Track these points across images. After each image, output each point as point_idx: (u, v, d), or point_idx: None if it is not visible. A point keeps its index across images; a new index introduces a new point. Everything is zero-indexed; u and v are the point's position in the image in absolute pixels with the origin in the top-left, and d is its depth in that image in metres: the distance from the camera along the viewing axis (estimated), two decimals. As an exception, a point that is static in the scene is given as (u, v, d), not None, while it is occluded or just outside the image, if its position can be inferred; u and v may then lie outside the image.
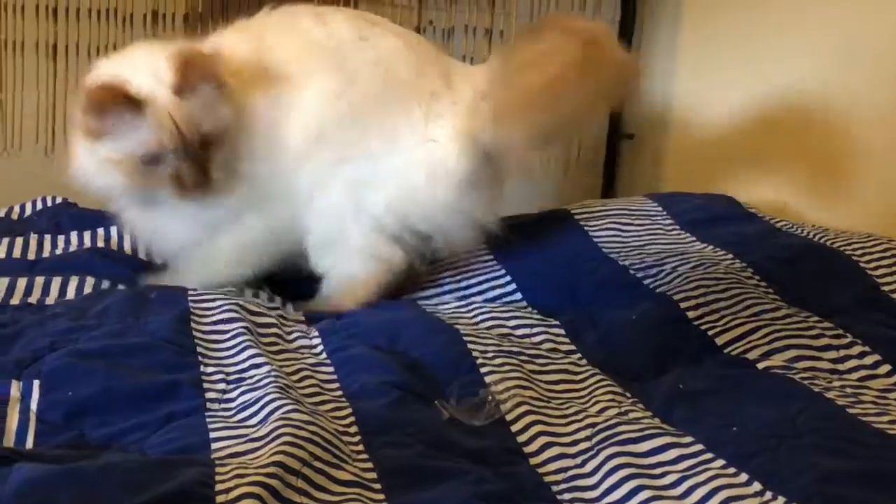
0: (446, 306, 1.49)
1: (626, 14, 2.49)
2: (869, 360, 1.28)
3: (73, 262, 1.57)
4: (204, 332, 1.29)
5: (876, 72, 1.84)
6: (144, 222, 1.49)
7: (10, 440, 1.04)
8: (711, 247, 1.64)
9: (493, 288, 1.58)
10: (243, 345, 1.25)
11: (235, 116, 1.37)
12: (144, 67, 1.35)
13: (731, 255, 1.58)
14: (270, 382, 1.14)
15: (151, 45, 1.42)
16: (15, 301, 1.40)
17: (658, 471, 1.01)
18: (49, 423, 1.07)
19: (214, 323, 1.32)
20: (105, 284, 1.49)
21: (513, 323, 1.42)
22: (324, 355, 1.28)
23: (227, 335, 1.28)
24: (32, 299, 1.41)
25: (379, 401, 1.14)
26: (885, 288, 1.49)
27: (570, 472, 1.03)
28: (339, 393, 1.18)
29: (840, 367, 1.27)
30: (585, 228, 1.73)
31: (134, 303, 1.35)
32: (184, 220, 1.44)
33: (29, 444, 1.04)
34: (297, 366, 1.24)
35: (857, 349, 1.30)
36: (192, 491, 0.89)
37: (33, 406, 1.10)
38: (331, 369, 1.24)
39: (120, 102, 1.30)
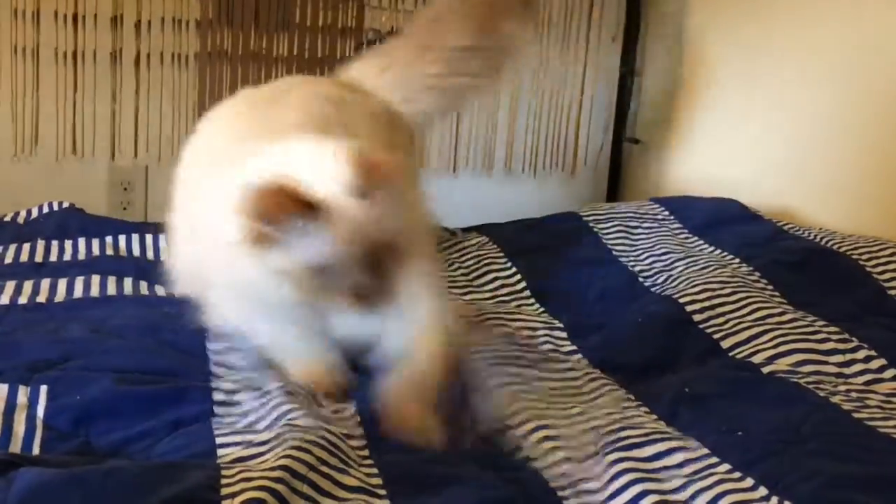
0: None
1: (631, 19, 2.49)
2: (875, 364, 1.28)
3: (79, 266, 1.58)
4: (218, 349, 1.28)
5: (881, 74, 1.84)
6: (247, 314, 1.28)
7: (16, 446, 1.04)
8: (719, 250, 1.64)
9: (504, 286, 1.59)
10: (252, 352, 1.25)
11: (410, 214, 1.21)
12: (315, 164, 1.12)
13: (738, 260, 1.58)
14: (278, 386, 1.14)
15: (311, 136, 1.21)
16: (23, 300, 1.41)
17: (663, 475, 1.01)
18: (56, 429, 1.08)
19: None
20: (111, 282, 1.50)
21: (517, 325, 1.42)
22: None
23: (240, 350, 1.28)
24: (41, 298, 1.42)
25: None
26: (892, 292, 1.48)
27: (575, 478, 1.03)
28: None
29: (846, 370, 1.27)
30: (595, 230, 1.74)
31: (143, 310, 1.35)
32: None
33: (36, 450, 1.04)
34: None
35: (862, 353, 1.29)
36: (199, 494, 0.89)
37: (40, 412, 1.10)
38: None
39: (295, 208, 1.08)
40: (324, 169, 1.11)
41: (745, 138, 2.19)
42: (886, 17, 1.85)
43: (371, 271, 1.13)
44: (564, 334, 1.41)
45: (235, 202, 1.09)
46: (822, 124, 1.98)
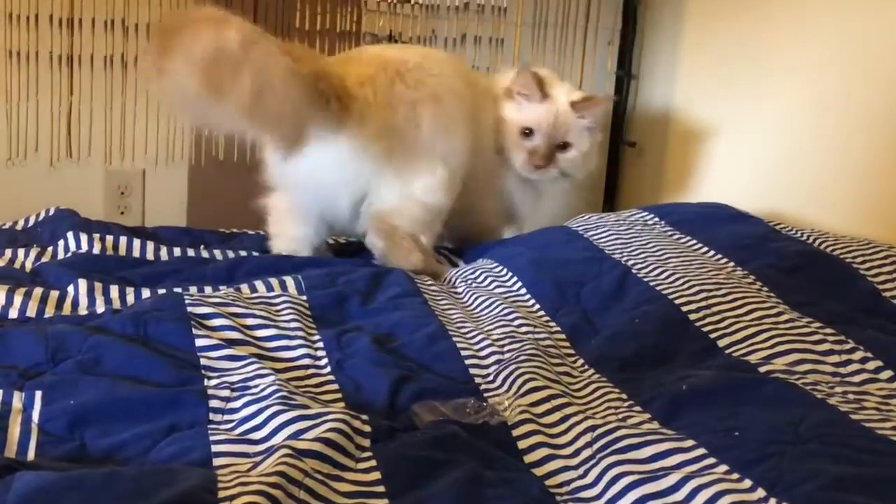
0: (452, 309, 1.50)
1: (627, 23, 2.50)
2: (871, 365, 1.28)
3: (69, 266, 1.58)
4: (207, 343, 1.29)
5: (876, 78, 1.84)
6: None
7: (11, 451, 1.04)
8: (712, 252, 1.64)
9: (500, 286, 1.60)
10: (248, 359, 1.25)
11: (591, 145, 1.96)
12: (565, 85, 1.98)
13: (732, 263, 1.58)
14: (274, 392, 1.14)
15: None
16: (13, 315, 1.41)
17: (660, 475, 1.00)
18: (51, 434, 1.07)
19: (215, 329, 1.32)
20: (97, 285, 1.50)
21: (517, 322, 1.43)
22: (328, 369, 1.28)
23: (230, 348, 1.29)
24: (31, 312, 1.41)
25: (383, 408, 1.15)
26: (886, 294, 1.48)
27: (574, 484, 1.03)
28: (340, 396, 1.19)
29: (842, 370, 1.27)
30: (586, 235, 1.74)
31: (135, 313, 1.35)
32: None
33: (31, 455, 1.04)
34: (301, 373, 1.25)
35: (859, 354, 1.29)
36: (196, 498, 0.89)
37: (35, 417, 1.10)
38: (335, 385, 1.24)
39: (538, 83, 1.90)
40: (568, 88, 1.97)
41: (741, 142, 2.19)
42: (877, 26, 1.85)
43: (547, 148, 1.90)
44: (563, 336, 1.41)
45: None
46: (817, 129, 1.98)
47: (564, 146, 1.92)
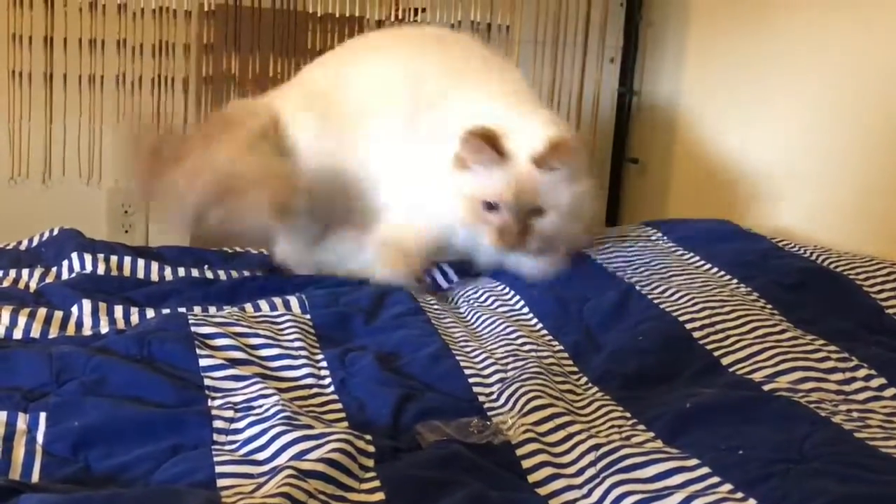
0: (455, 328, 1.50)
1: (629, 40, 2.51)
2: (875, 382, 1.27)
3: (73, 287, 1.58)
4: (210, 363, 1.29)
5: (883, 93, 1.84)
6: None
7: (16, 473, 1.04)
8: (715, 269, 1.64)
9: (503, 305, 1.60)
10: (252, 378, 1.26)
11: (571, 199, 1.59)
12: (522, 132, 1.57)
13: (735, 280, 1.58)
14: (278, 413, 1.14)
15: (536, 111, 1.67)
16: (18, 336, 1.41)
17: (664, 493, 1.00)
18: (55, 455, 1.07)
19: (219, 349, 1.32)
20: (102, 306, 1.50)
21: (520, 340, 1.43)
22: (331, 388, 1.28)
23: (234, 367, 1.29)
24: (35, 332, 1.42)
25: (387, 427, 1.15)
26: (890, 311, 1.48)
27: None
28: (343, 415, 1.20)
29: (846, 388, 1.27)
30: (588, 253, 1.74)
31: (138, 333, 1.35)
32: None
33: (35, 476, 1.04)
34: (304, 392, 1.25)
35: (862, 372, 1.29)
36: (199, 519, 0.89)
37: (39, 438, 1.10)
38: (338, 405, 1.24)
39: (491, 143, 1.53)
40: (524, 133, 1.56)
41: (744, 159, 2.20)
42: (884, 40, 1.85)
43: (516, 221, 1.54)
44: (566, 354, 1.41)
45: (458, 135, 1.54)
46: (822, 145, 1.98)
47: (539, 211, 1.57)
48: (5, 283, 1.63)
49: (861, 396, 1.25)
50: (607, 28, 2.49)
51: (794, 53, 2.06)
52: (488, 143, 1.52)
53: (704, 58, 2.37)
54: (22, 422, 1.12)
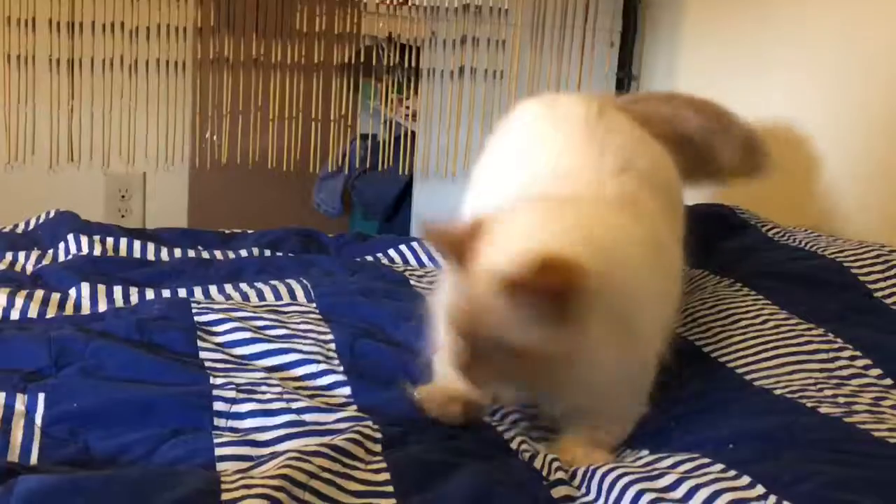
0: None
1: (628, 24, 2.50)
2: (860, 363, 1.26)
3: (71, 269, 1.57)
4: (213, 345, 1.28)
5: (879, 76, 1.84)
6: None
7: (14, 455, 1.03)
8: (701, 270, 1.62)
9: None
10: (256, 357, 1.25)
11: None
12: (504, 239, 1.08)
13: (717, 277, 1.56)
14: (282, 410, 1.13)
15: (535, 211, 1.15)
16: (15, 317, 1.40)
17: (656, 474, 1.00)
18: (54, 437, 1.07)
19: (223, 333, 1.32)
20: (100, 288, 1.49)
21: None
22: (336, 361, 1.28)
23: (238, 346, 1.28)
24: (33, 313, 1.41)
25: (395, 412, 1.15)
26: (878, 294, 1.47)
27: (578, 501, 1.02)
28: (352, 400, 1.19)
29: (830, 365, 1.25)
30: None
31: (139, 320, 1.34)
32: None
33: (34, 458, 1.03)
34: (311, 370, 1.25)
35: (847, 353, 1.28)
36: (199, 500, 0.89)
37: (38, 420, 1.09)
38: (346, 389, 1.23)
39: (451, 246, 1.10)
40: (500, 247, 1.06)
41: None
42: (879, 24, 1.85)
43: (470, 348, 1.07)
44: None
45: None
46: (819, 128, 1.98)
47: (500, 347, 1.06)
48: (2, 266, 1.62)
49: (846, 372, 1.24)
50: (607, 12, 2.47)
51: (792, 36, 2.06)
52: (445, 244, 1.12)
53: (703, 42, 2.36)
54: (20, 403, 1.11)
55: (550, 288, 1.01)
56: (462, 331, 1.07)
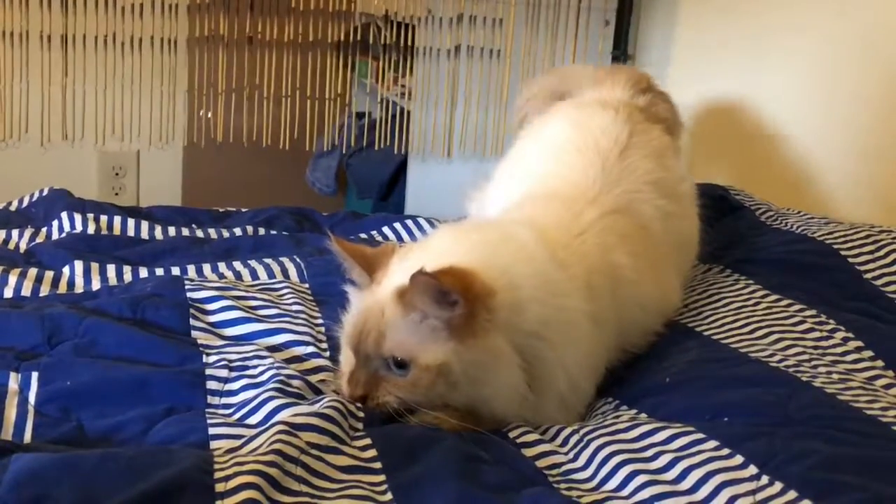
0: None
1: (624, 3, 2.49)
2: (852, 345, 1.27)
3: (64, 247, 1.57)
4: (206, 324, 1.29)
5: (876, 60, 1.84)
6: None
7: (7, 433, 1.04)
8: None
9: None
10: (249, 336, 1.26)
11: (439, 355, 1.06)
12: (418, 250, 1.14)
13: (708, 265, 1.57)
14: (272, 377, 1.14)
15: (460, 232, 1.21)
16: (8, 294, 1.40)
17: (650, 452, 1.01)
18: (47, 415, 1.07)
19: (216, 312, 1.32)
20: (94, 266, 1.49)
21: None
22: (325, 345, 1.28)
23: (230, 326, 1.29)
24: (26, 291, 1.41)
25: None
26: (868, 275, 1.48)
27: (565, 467, 1.03)
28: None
29: (823, 343, 1.26)
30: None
31: (133, 298, 1.34)
32: None
33: (27, 436, 1.04)
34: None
35: (840, 335, 1.29)
36: (192, 478, 0.89)
37: (32, 399, 1.10)
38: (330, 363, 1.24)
39: (360, 262, 1.14)
40: (408, 260, 1.11)
41: (736, 123, 2.19)
42: (877, 6, 1.85)
43: (363, 365, 1.09)
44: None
45: None
46: (815, 110, 1.98)
47: (399, 364, 1.08)
48: (-5, 243, 1.62)
49: (839, 350, 1.25)
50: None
51: (787, 17, 2.05)
52: (352, 256, 1.14)
53: (697, 21, 2.35)
54: (13, 382, 1.12)
55: (442, 286, 1.02)
56: (357, 345, 1.09)
